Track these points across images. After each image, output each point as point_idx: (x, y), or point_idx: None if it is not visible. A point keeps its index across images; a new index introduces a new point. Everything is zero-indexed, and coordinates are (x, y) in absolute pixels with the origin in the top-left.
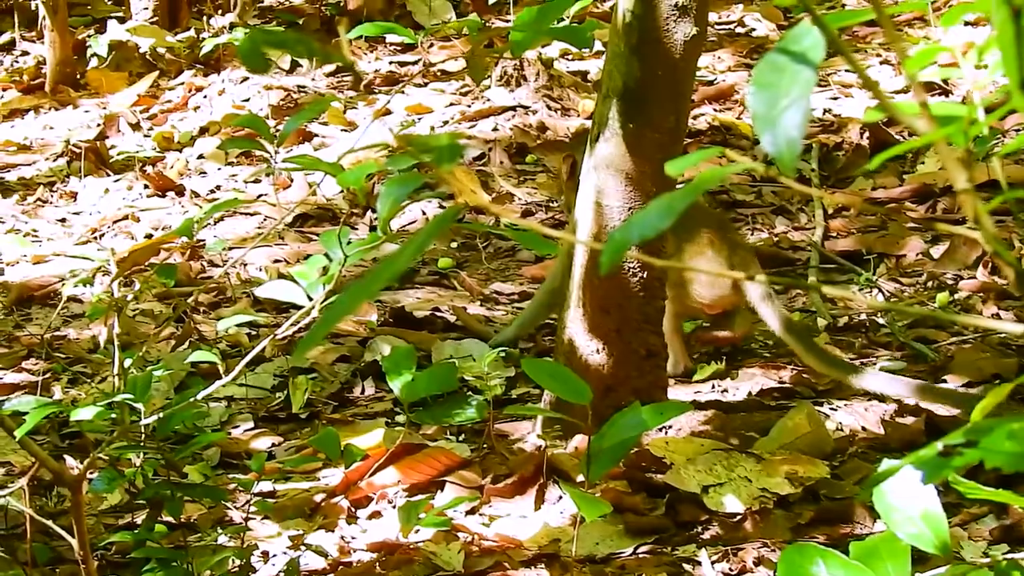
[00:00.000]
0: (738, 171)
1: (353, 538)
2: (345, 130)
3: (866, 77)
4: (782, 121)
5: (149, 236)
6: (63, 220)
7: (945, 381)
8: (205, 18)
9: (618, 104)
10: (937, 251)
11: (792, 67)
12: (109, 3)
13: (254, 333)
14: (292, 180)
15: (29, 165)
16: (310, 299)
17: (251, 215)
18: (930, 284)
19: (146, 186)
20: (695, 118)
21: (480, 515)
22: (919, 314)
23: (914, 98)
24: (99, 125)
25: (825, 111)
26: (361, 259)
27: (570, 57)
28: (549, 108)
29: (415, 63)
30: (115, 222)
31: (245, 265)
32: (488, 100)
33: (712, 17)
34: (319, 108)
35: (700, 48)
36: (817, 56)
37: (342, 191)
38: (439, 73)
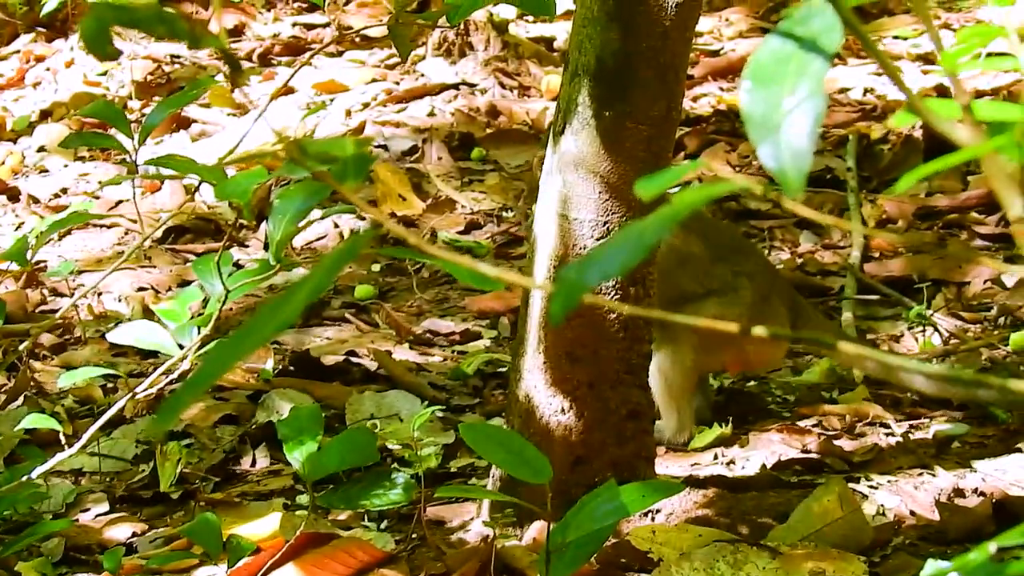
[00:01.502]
0: (727, 192)
1: None
2: (233, 114)
3: (888, 66)
4: (786, 128)
5: None
6: None
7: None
8: None
9: (591, 85)
10: (1011, 278)
11: (799, 56)
12: None
13: (111, 386)
14: (163, 181)
15: None
16: (181, 346)
17: (108, 227)
18: (1002, 321)
19: None
20: (695, 100)
21: None
22: (988, 362)
23: (956, 97)
24: None
25: (866, 91)
26: (253, 289)
27: (530, 19)
28: (502, 86)
29: (326, 26)
30: None
31: (100, 295)
32: (422, 75)
33: None
34: (193, 95)
35: (698, 11)
36: (832, 42)
37: None
38: (358, 39)
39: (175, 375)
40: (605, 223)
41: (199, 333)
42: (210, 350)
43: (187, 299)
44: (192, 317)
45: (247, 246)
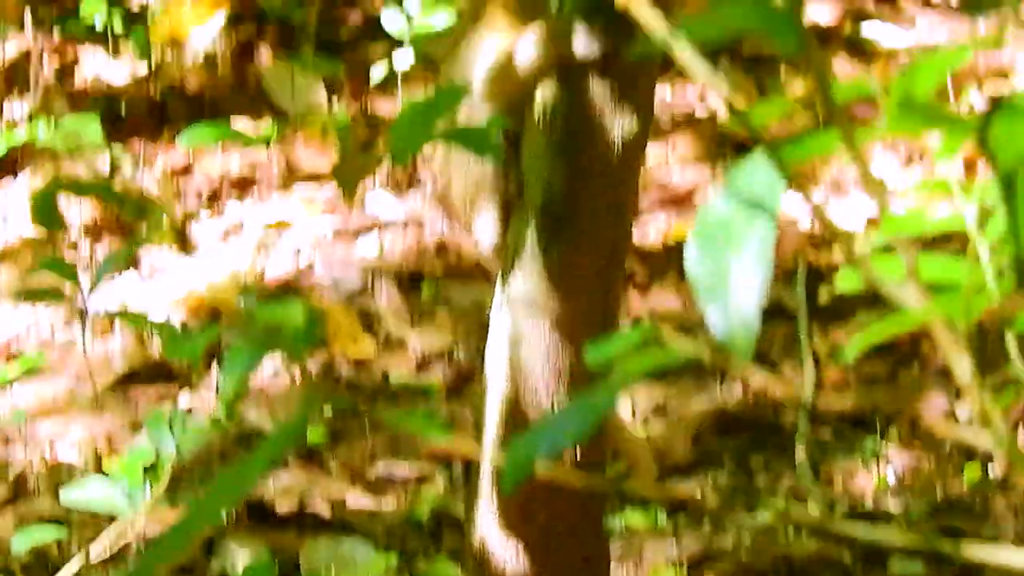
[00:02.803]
0: (674, 361)
1: None
2: (182, 251)
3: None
4: (733, 292)
5: None
6: None
7: None
8: None
9: (538, 222)
10: (965, 411)
11: (744, 217)
12: None
13: (66, 541)
14: (113, 323)
15: None
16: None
17: (60, 372)
18: (955, 454)
19: None
20: (644, 231)
21: None
22: (942, 498)
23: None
24: None
25: (812, 220)
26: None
27: None
28: (451, 221)
29: (275, 160)
30: None
31: (52, 443)
32: (370, 211)
33: (663, 96)
34: (140, 243)
35: (644, 146)
36: (776, 201)
37: None
38: (306, 175)
39: (130, 534)
40: (554, 364)
41: (151, 492)
42: (161, 537)
43: (137, 458)
44: (145, 470)
45: (199, 390)
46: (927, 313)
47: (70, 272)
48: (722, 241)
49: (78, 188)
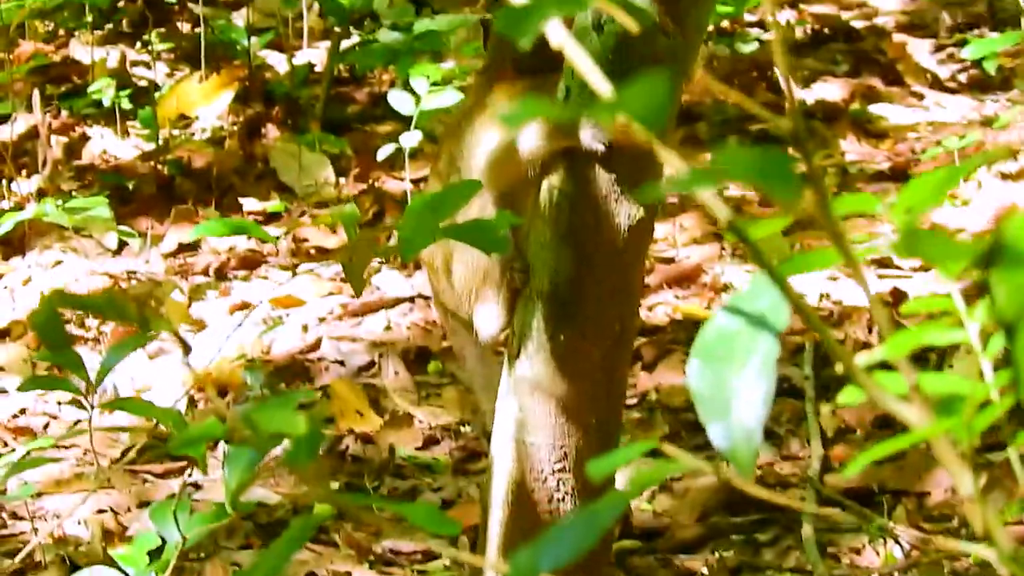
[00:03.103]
0: (677, 473)
1: None
2: (190, 330)
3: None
4: (736, 408)
5: None
6: None
7: None
8: (4, 183)
9: (545, 308)
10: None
11: (748, 334)
12: None
13: None
14: (119, 396)
15: None
16: None
17: (67, 447)
18: (964, 531)
19: None
20: (650, 309)
21: None
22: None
23: (904, 374)
24: None
25: (821, 296)
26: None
27: None
28: None
29: (282, 237)
30: None
31: (59, 518)
32: (378, 289)
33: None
34: (149, 338)
35: (650, 234)
36: (781, 320)
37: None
38: (313, 251)
39: None
40: (561, 446)
41: None
42: None
43: (143, 544)
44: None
45: (207, 474)
46: (930, 432)
47: (75, 362)
48: (725, 357)
49: (79, 303)
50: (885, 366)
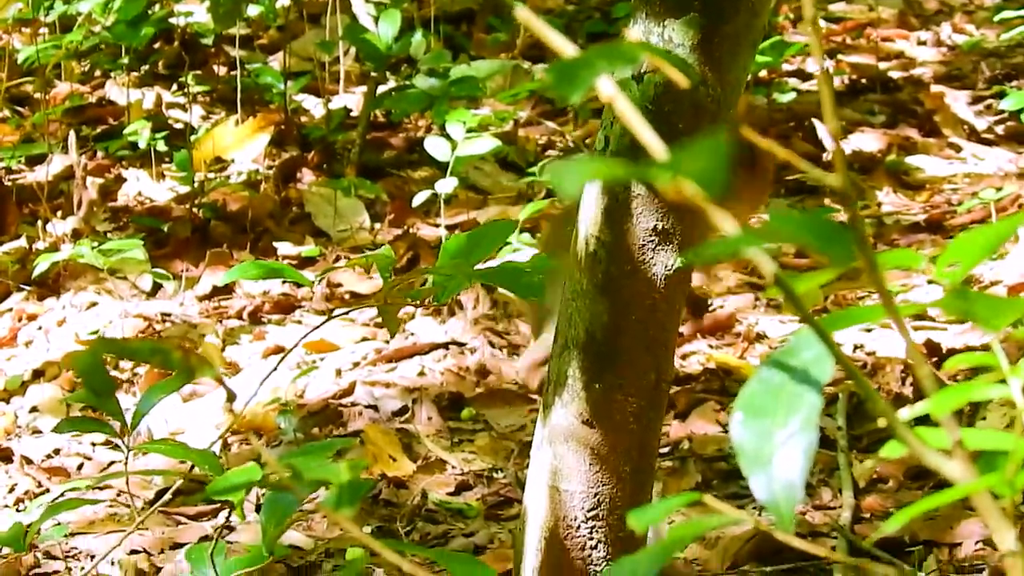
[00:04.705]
0: (720, 526)
1: None
2: (225, 374)
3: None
4: (777, 461)
5: None
6: None
7: None
8: (40, 223)
9: (580, 358)
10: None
11: (791, 388)
12: None
13: None
14: (152, 437)
15: None
16: None
17: (101, 489)
18: None
19: None
20: (684, 357)
21: None
22: None
23: (946, 430)
24: None
25: (855, 347)
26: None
27: None
28: (492, 345)
29: (317, 282)
30: None
31: (93, 558)
32: (412, 334)
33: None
34: (182, 381)
35: (688, 283)
36: (824, 374)
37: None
38: (347, 296)
39: None
40: (596, 495)
41: None
42: None
43: None
44: None
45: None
46: (972, 488)
47: (112, 406)
48: (768, 410)
49: (122, 350)
50: (920, 420)
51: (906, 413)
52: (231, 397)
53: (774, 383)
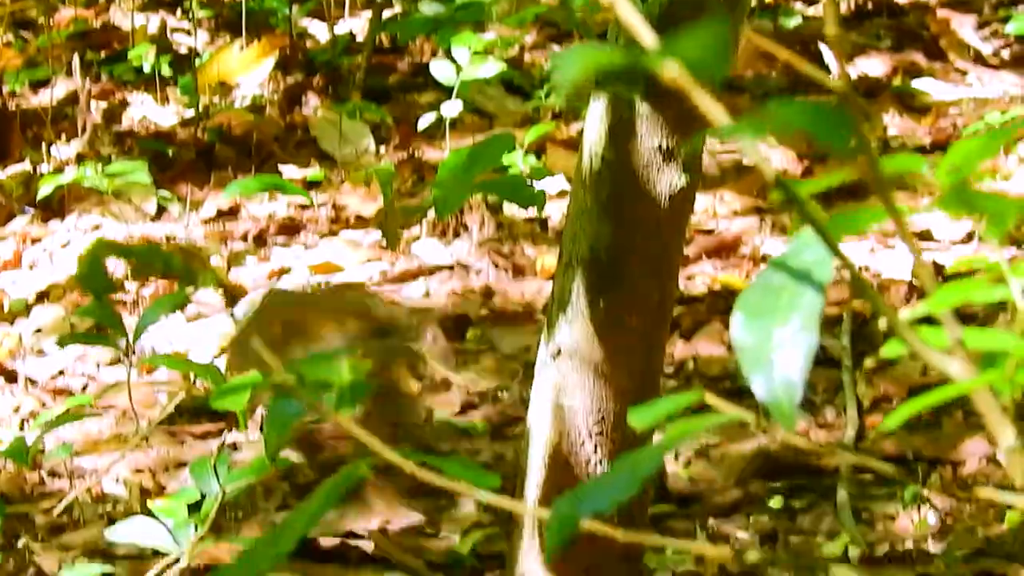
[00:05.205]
0: (720, 423)
1: None
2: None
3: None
4: (778, 360)
5: None
6: None
7: None
8: (44, 147)
9: (584, 276)
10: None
11: (792, 289)
12: None
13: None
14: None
15: None
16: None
17: (106, 408)
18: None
19: None
20: (689, 279)
21: None
22: (983, 541)
23: (947, 328)
24: None
25: (860, 268)
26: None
27: None
28: (497, 267)
29: (321, 205)
30: None
31: (97, 477)
32: (416, 256)
33: (712, 145)
34: (185, 295)
35: (692, 203)
36: (825, 274)
37: None
38: (353, 219)
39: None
40: (599, 410)
41: (196, 531)
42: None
43: (182, 497)
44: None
45: (246, 430)
46: (972, 384)
47: (114, 320)
48: (769, 310)
49: (124, 252)
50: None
51: (907, 313)
52: (231, 302)
53: (775, 284)
